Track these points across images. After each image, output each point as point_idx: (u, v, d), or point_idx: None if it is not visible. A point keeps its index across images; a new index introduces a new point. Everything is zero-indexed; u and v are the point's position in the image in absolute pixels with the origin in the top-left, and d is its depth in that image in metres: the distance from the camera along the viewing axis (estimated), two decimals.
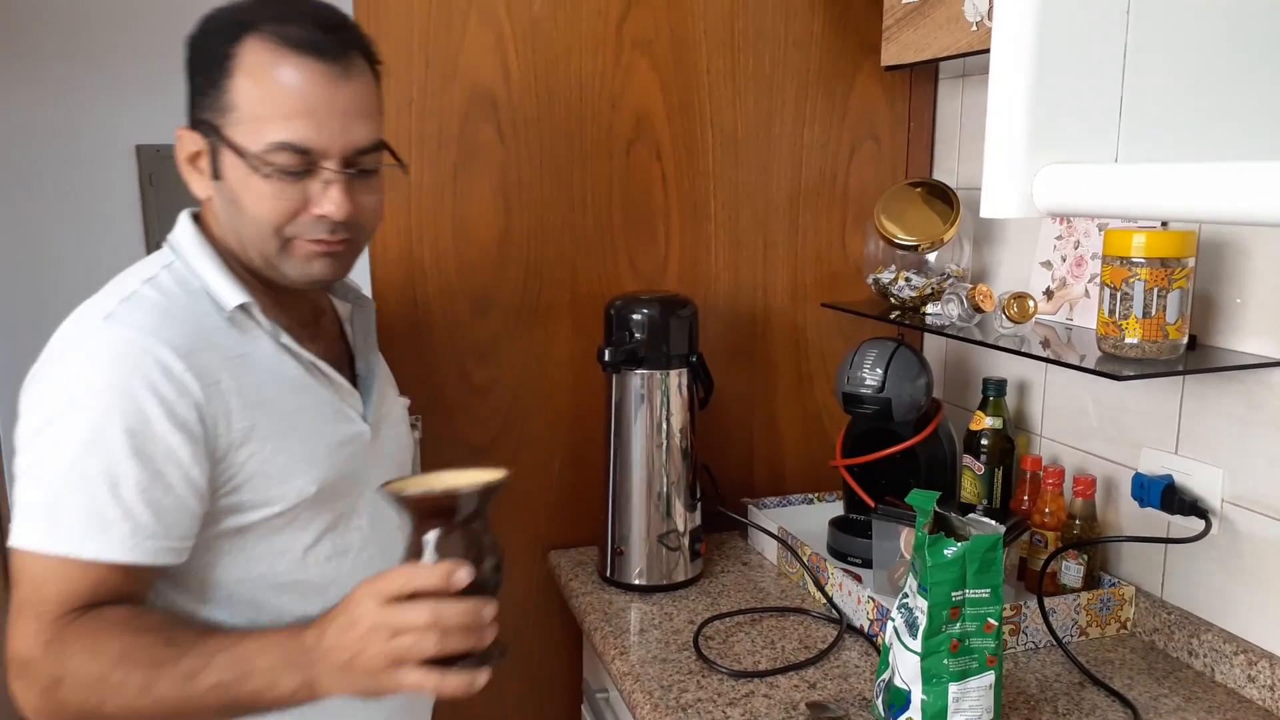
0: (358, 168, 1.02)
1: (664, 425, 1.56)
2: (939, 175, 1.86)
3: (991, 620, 1.11)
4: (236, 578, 1.03)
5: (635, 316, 1.54)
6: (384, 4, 1.55)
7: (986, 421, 1.57)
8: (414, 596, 0.89)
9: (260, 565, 1.04)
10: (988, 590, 1.10)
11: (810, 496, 1.85)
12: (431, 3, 1.56)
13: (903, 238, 1.64)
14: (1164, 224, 1.28)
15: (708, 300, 1.77)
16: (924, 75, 1.83)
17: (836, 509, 1.75)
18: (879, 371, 1.56)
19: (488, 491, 0.91)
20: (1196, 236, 1.27)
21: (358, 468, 1.11)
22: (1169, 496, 1.34)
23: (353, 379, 1.16)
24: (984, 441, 1.57)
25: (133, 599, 0.97)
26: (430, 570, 0.89)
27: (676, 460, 1.57)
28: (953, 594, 1.09)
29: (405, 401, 1.28)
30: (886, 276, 1.68)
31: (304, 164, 0.98)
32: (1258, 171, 0.63)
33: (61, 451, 0.93)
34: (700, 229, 1.77)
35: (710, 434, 1.76)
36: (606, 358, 1.52)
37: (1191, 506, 1.32)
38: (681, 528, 1.58)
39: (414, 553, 0.91)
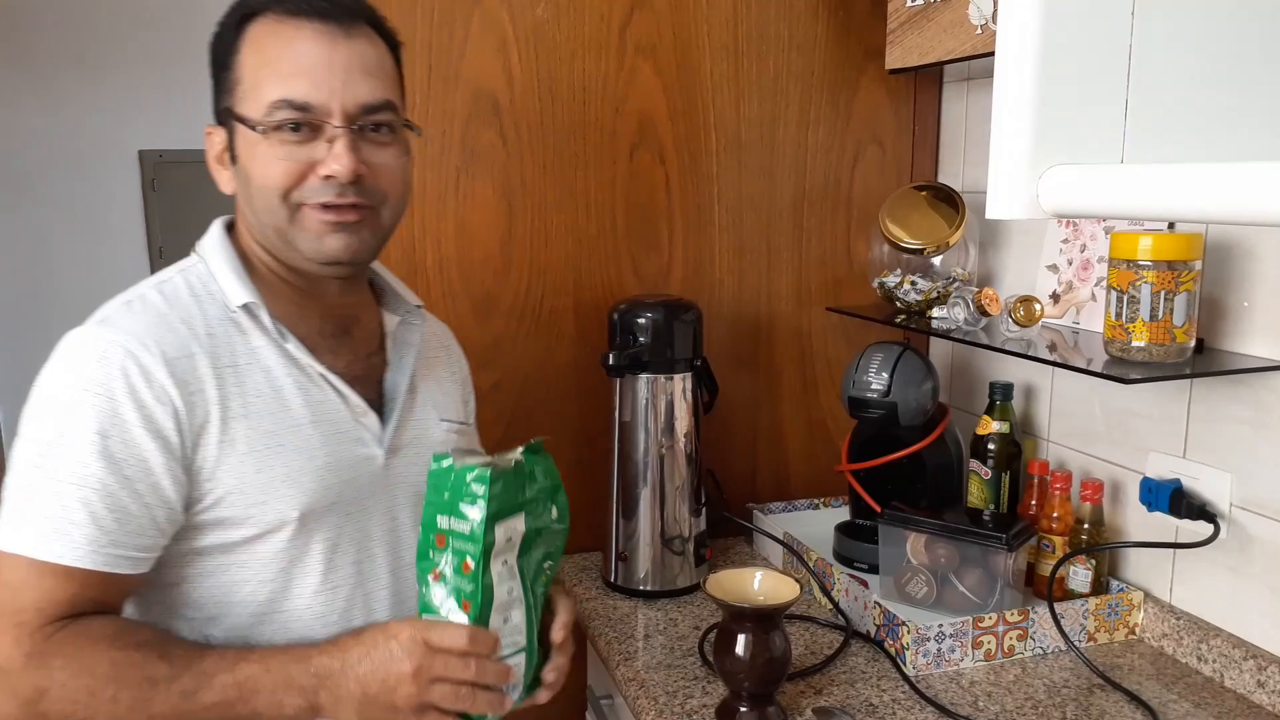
0: (364, 124, 1.00)
1: (668, 430, 1.55)
2: (944, 179, 1.85)
3: (470, 561, 0.95)
4: (217, 599, 1.00)
5: (639, 320, 1.53)
6: (386, 6, 1.54)
7: (993, 426, 1.56)
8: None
9: (243, 589, 1.00)
10: (467, 526, 0.94)
11: (816, 502, 1.84)
12: (434, 6, 1.56)
13: (908, 241, 1.64)
14: (1171, 226, 1.28)
15: (712, 305, 1.77)
16: (928, 79, 1.83)
17: (842, 514, 1.75)
18: (884, 376, 1.55)
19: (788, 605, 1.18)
20: (1203, 239, 1.26)
21: (361, 494, 1.06)
22: (1177, 501, 1.33)
23: (380, 398, 1.11)
24: (991, 446, 1.56)
25: (114, 612, 0.95)
26: (486, 636, 0.94)
27: (681, 465, 1.56)
28: (438, 517, 0.96)
29: (450, 425, 1.20)
30: (892, 280, 1.68)
31: (305, 120, 0.97)
32: (1265, 171, 0.63)
33: (34, 450, 0.93)
34: (704, 233, 1.76)
35: (715, 439, 1.75)
36: (610, 362, 1.52)
37: (1200, 511, 1.31)
38: (686, 533, 1.58)
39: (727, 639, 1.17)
